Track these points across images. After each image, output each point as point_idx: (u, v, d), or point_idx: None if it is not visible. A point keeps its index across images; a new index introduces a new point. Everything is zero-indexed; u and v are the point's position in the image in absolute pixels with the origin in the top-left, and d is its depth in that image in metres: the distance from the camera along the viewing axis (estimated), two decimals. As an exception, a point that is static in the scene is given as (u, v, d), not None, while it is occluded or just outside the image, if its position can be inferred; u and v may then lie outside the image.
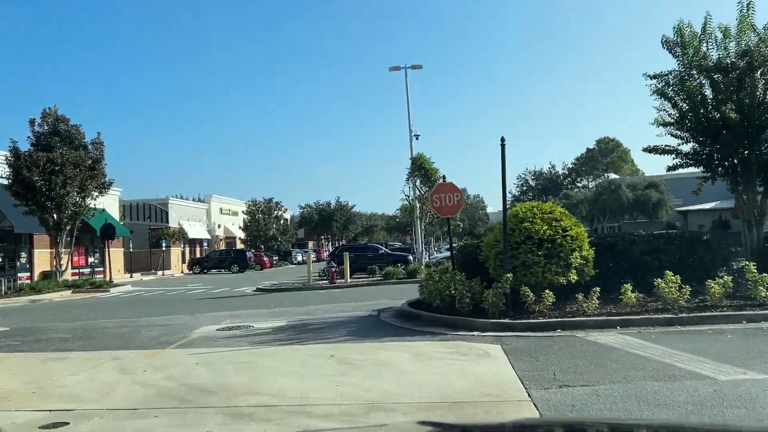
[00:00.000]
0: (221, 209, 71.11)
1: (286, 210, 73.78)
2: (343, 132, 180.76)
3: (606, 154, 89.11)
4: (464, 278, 12.60)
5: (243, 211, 68.82)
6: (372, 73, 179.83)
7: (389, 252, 36.70)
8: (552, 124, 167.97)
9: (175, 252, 57.68)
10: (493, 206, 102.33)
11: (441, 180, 15.42)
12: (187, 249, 61.71)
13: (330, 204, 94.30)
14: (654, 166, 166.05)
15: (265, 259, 56.29)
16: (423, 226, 27.57)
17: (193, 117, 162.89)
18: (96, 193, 33.14)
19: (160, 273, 52.07)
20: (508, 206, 12.56)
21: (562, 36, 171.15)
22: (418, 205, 27.21)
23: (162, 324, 14.91)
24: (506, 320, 11.24)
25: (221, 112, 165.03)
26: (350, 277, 25.92)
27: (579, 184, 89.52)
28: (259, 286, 26.91)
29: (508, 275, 11.62)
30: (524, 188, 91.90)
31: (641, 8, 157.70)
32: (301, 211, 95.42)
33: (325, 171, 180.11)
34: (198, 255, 61.38)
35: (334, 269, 25.59)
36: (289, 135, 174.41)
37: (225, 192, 78.40)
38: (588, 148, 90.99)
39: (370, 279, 26.75)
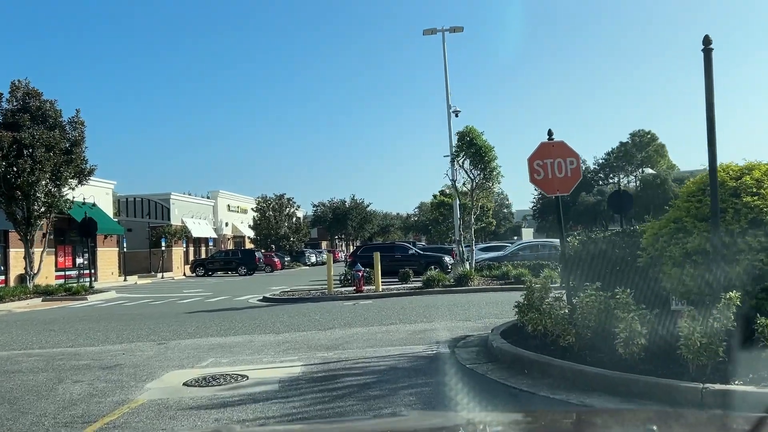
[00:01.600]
0: (229, 206, 65.80)
1: (298, 207, 68.37)
2: (360, 127, 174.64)
3: (641, 148, 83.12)
4: (631, 301, 7.03)
5: (252, 208, 63.50)
6: (394, 46, 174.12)
7: (420, 252, 31.13)
8: (582, 114, 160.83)
9: (177, 252, 52.42)
10: (518, 205, 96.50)
11: (549, 139, 9.78)
12: (191, 249, 56.45)
13: (345, 202, 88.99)
14: (691, 161, 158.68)
15: (276, 260, 51.00)
16: (473, 220, 21.93)
17: (199, 108, 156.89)
18: (74, 182, 27.94)
19: (159, 275, 46.84)
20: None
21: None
22: (466, 191, 21.53)
23: (108, 362, 9.51)
24: (738, 385, 5.68)
25: (229, 101, 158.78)
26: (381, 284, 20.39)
27: (612, 180, 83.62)
28: (267, 295, 21.46)
29: (734, 296, 6.04)
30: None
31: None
32: (315, 209, 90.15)
33: (339, 168, 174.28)
34: (203, 255, 56.13)
35: (360, 273, 20.08)
36: (300, 128, 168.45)
37: (234, 189, 73.40)
38: (621, 142, 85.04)
39: (406, 286, 21.23)
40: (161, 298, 24.25)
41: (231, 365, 8.83)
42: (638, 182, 74.76)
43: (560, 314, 8.08)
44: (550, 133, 9.99)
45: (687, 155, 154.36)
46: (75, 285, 28.59)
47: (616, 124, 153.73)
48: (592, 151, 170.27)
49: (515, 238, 72.68)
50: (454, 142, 22.51)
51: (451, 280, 19.95)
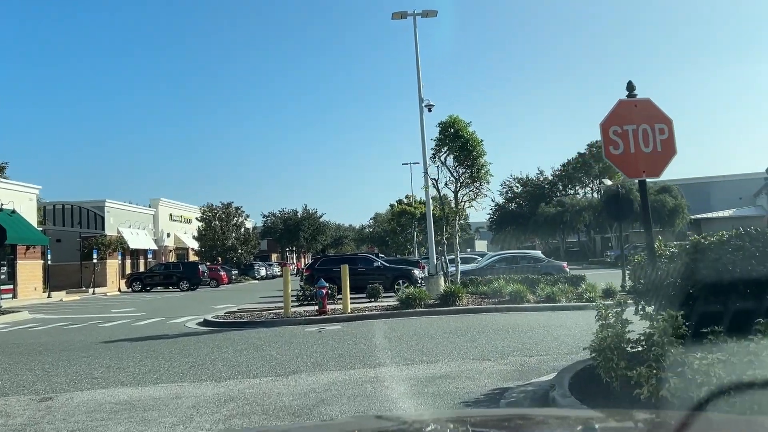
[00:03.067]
0: (171, 215, 61.02)
1: (247, 217, 64.01)
2: (314, 137, 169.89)
3: (599, 158, 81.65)
4: None
5: (197, 218, 58.93)
6: (346, 55, 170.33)
7: (386, 265, 27.59)
8: (539, 126, 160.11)
9: (112, 265, 47.57)
10: (478, 217, 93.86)
11: (629, 96, 6.39)
12: (128, 261, 51.59)
13: (297, 212, 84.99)
14: None
15: (222, 273, 46.81)
16: (457, 226, 18.57)
17: (140, 112, 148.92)
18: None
19: (91, 291, 42.05)
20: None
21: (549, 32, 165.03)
22: (447, 195, 18.17)
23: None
24: None
25: (173, 106, 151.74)
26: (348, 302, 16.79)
27: (571, 191, 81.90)
28: (210, 317, 17.61)
29: None
30: (509, 195, 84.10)
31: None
32: (265, 219, 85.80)
33: (291, 178, 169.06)
34: (142, 269, 51.34)
35: (325, 291, 16.48)
36: (252, 135, 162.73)
37: (177, 197, 68.23)
38: (579, 152, 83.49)
39: (378, 306, 17.75)
40: (81, 321, 20.12)
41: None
42: (600, 193, 73.04)
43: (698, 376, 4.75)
44: (630, 87, 6.73)
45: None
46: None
47: (573, 134, 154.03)
48: (549, 161, 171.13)
49: (468, 250, 69.90)
50: (428, 139, 19.34)
51: (435, 298, 16.53)
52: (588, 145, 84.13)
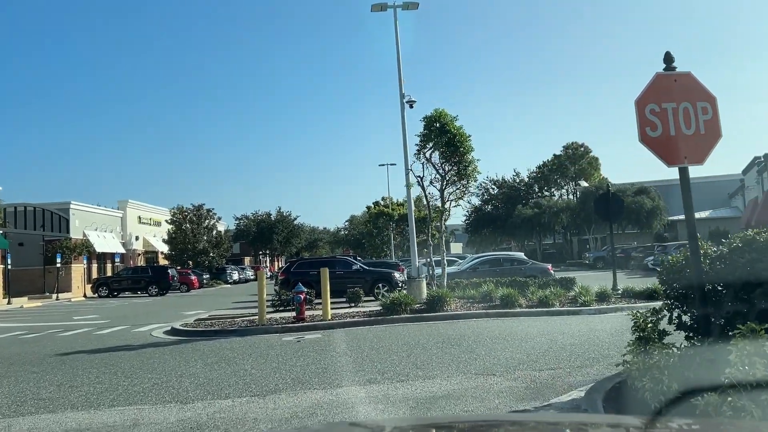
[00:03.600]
0: (140, 218, 59.17)
1: (219, 219, 62.32)
2: (287, 139, 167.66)
3: (575, 160, 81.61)
4: None
5: (167, 221, 57.13)
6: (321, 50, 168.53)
7: (366, 268, 26.47)
8: (514, 128, 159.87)
9: (78, 270, 45.70)
10: (454, 219, 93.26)
11: (666, 68, 5.33)
12: (95, 266, 49.73)
13: (270, 215, 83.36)
14: (624, 176, 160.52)
15: (193, 278, 45.28)
16: (444, 227, 17.55)
17: (107, 112, 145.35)
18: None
19: (54, 297, 40.24)
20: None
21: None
22: (435, 191, 17.03)
23: None
24: None
25: (144, 104, 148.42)
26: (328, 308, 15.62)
27: (547, 193, 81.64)
28: (178, 325, 16.35)
29: None
30: (486, 197, 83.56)
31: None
32: (237, 222, 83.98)
33: (265, 180, 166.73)
34: (109, 273, 49.52)
35: (303, 296, 15.33)
36: (224, 134, 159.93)
37: (147, 199, 65.99)
38: (555, 154, 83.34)
39: (360, 311, 16.64)
40: (40, 329, 18.69)
41: None
42: (577, 194, 72.80)
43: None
44: (668, 58, 5.76)
45: (620, 169, 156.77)
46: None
47: (551, 135, 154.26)
48: (525, 163, 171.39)
49: (443, 252, 69.05)
50: (410, 136, 18.33)
51: (421, 303, 15.47)
52: (564, 146, 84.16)
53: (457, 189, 16.96)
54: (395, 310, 14.94)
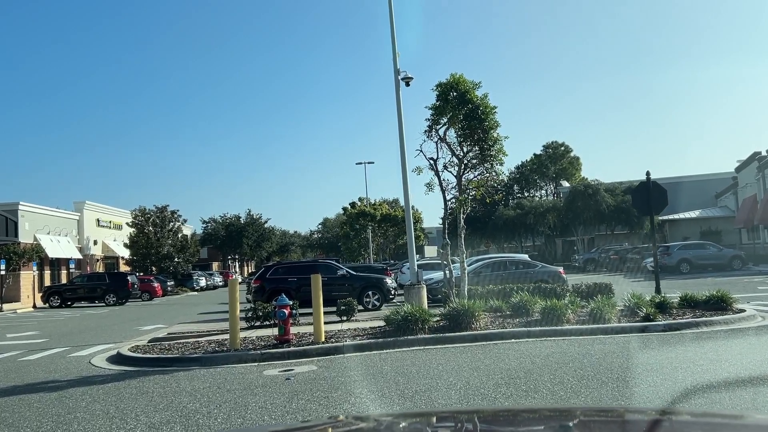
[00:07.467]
0: (99, 220, 54.79)
1: (185, 222, 58.16)
2: (257, 139, 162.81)
3: (555, 160, 79.27)
4: None
5: (128, 223, 52.88)
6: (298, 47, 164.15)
7: (352, 273, 23.00)
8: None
9: (27, 277, 41.40)
10: (431, 221, 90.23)
11: None
12: (47, 273, 45.40)
13: (240, 218, 79.33)
14: (606, 175, 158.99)
15: (156, 285, 41.36)
16: (462, 222, 14.18)
17: (68, 108, 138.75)
18: None
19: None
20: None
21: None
22: (451, 178, 13.61)
23: None
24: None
25: (108, 102, 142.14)
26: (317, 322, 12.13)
27: (527, 193, 79.13)
28: (127, 350, 12.71)
29: None
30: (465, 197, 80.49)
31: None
32: (205, 225, 79.71)
33: (234, 182, 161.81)
34: (64, 280, 45.21)
35: (287, 311, 11.89)
36: (192, 135, 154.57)
37: (106, 201, 61.09)
38: (535, 154, 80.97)
39: (358, 328, 13.21)
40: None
41: None
42: (560, 194, 70.38)
43: None
44: None
45: (601, 168, 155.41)
46: None
47: (531, 135, 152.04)
48: (505, 163, 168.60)
49: (417, 256, 65.88)
50: (404, 116, 15.02)
51: (440, 319, 12.07)
52: (544, 146, 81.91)
53: (479, 174, 13.68)
54: (408, 329, 11.55)
